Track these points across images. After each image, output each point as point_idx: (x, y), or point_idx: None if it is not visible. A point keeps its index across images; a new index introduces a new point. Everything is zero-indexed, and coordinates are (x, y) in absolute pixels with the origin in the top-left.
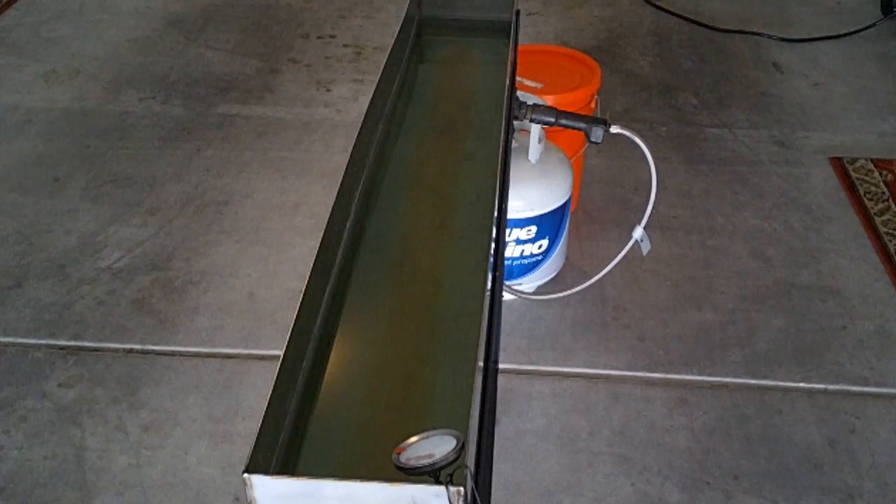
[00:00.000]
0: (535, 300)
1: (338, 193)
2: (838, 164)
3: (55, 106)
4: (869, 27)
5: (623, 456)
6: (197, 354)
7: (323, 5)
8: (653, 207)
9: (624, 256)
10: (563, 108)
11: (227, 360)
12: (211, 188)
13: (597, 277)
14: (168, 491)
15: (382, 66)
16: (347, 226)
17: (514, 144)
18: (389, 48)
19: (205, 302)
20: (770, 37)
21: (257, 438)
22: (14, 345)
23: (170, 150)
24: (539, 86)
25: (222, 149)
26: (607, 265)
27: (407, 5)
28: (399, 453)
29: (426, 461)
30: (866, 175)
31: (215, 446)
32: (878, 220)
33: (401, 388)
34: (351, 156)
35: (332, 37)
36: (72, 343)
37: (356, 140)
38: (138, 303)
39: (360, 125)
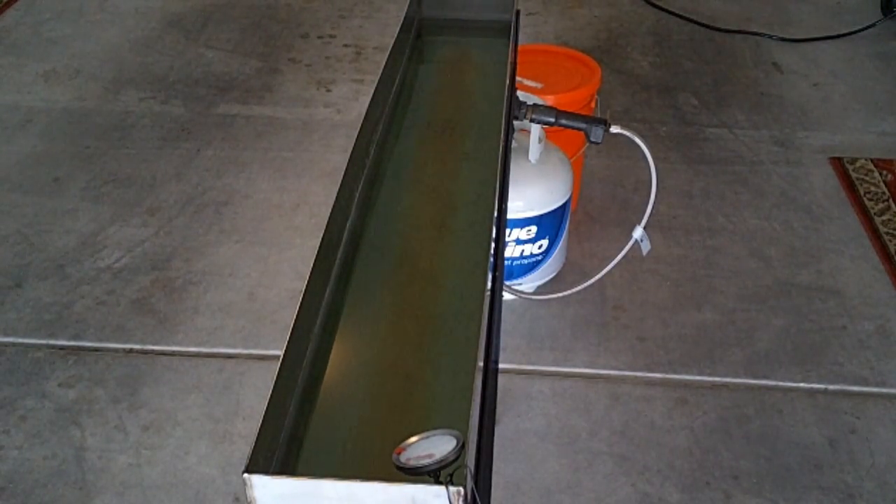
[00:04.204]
0: (535, 300)
1: (338, 193)
2: (838, 164)
3: (55, 106)
4: (869, 27)
5: (623, 456)
6: (197, 354)
7: (323, 5)
8: (653, 207)
9: (624, 256)
10: (563, 108)
11: (227, 360)
12: (211, 188)
13: (597, 277)
14: (168, 491)
15: (382, 66)
16: (347, 226)
17: (514, 144)
18: (389, 48)
19: (205, 302)
20: (770, 37)
21: (257, 438)
22: (14, 345)
23: (170, 150)
24: (539, 86)
25: (222, 149)
26: (607, 265)
27: (407, 5)
28: (399, 453)
29: (426, 461)
30: (866, 175)
31: (215, 446)
32: (878, 220)
33: (401, 388)
34: (351, 156)
35: (332, 37)
36: (72, 343)
37: (356, 140)
38: (138, 303)
39: (360, 125)
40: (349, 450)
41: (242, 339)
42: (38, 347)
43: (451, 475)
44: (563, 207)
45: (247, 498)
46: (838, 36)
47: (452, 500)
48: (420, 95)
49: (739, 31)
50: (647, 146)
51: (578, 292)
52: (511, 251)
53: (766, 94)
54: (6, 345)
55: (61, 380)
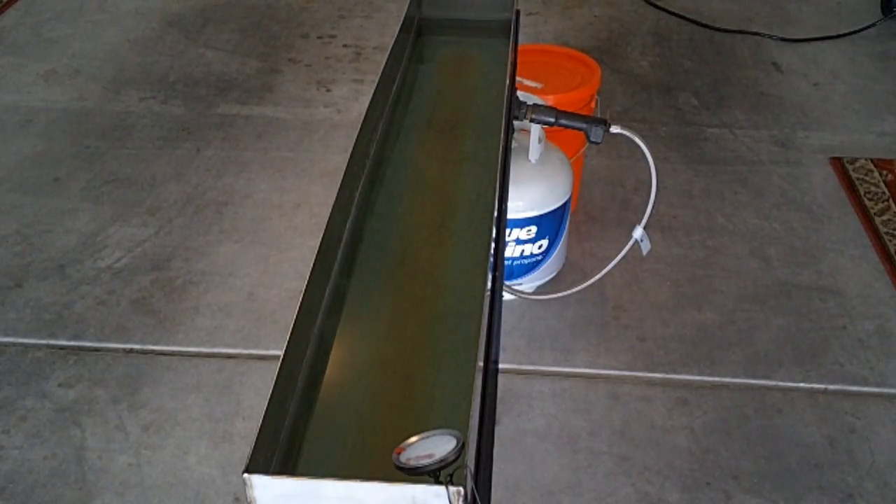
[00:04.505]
0: (535, 300)
1: (338, 193)
2: (838, 164)
3: (55, 106)
4: (869, 27)
5: (623, 456)
6: (197, 354)
7: (323, 5)
8: (653, 207)
9: (624, 256)
10: (563, 108)
11: (227, 360)
12: (211, 188)
13: (597, 277)
14: (168, 491)
15: (382, 66)
16: (347, 226)
17: (514, 144)
18: (389, 48)
19: (205, 302)
20: (770, 37)
21: (257, 438)
22: (14, 345)
23: (170, 150)
24: (539, 86)
25: (222, 149)
26: (607, 265)
27: (407, 5)
28: (399, 453)
29: (426, 461)
30: (866, 175)
31: (215, 446)
32: (878, 220)
33: (401, 388)
34: (351, 156)
35: (332, 37)
36: (72, 343)
37: (356, 140)
38: (138, 303)
39: (360, 125)
40: (349, 450)
41: (242, 339)
42: (38, 347)
43: (451, 475)
44: (563, 207)
45: (247, 498)
46: (838, 36)
47: (452, 500)
48: (420, 95)
49: (739, 31)
50: (647, 146)
51: (578, 292)
52: (511, 251)
53: (766, 94)
54: (6, 345)
55: (61, 380)
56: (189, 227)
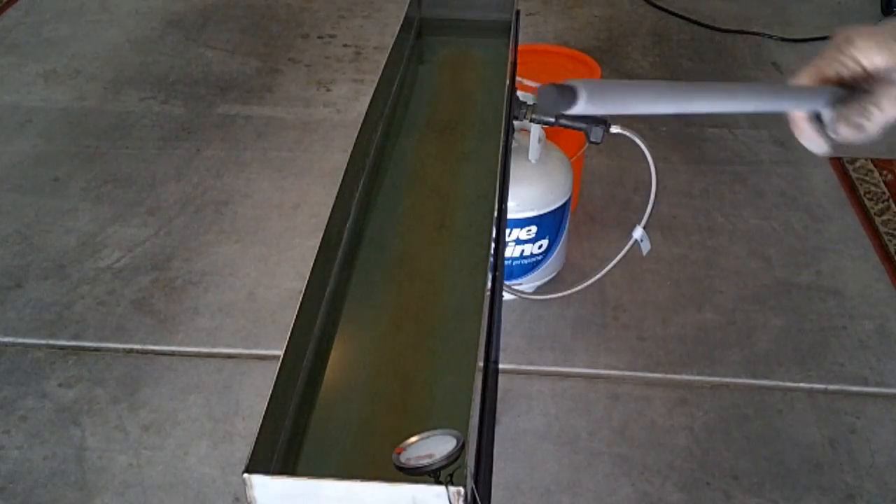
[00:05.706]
0: (535, 300)
1: (338, 193)
2: (838, 164)
3: (55, 106)
4: None
5: (623, 456)
6: (197, 354)
7: (323, 5)
8: (653, 207)
9: (624, 256)
10: None
11: (227, 360)
12: (211, 188)
13: (597, 277)
14: (168, 491)
15: (382, 66)
16: (347, 226)
17: (514, 144)
18: (389, 48)
19: (205, 302)
20: (770, 37)
21: (257, 438)
22: (14, 345)
23: (170, 150)
24: (539, 86)
25: (222, 149)
26: (607, 265)
27: (407, 5)
28: (399, 453)
29: (426, 461)
30: (866, 175)
31: (215, 446)
32: (878, 220)
33: (401, 388)
34: (351, 156)
35: (332, 37)
36: (72, 343)
37: (356, 140)
38: (138, 303)
39: (360, 125)
40: (349, 450)
41: (242, 339)
42: (38, 347)
43: (451, 475)
44: (563, 207)
45: (247, 498)
46: None
47: (452, 500)
48: (420, 95)
49: (739, 31)
50: (647, 146)
51: (578, 292)
52: (511, 251)
53: None
54: (6, 345)
55: (61, 380)
56: (189, 227)
